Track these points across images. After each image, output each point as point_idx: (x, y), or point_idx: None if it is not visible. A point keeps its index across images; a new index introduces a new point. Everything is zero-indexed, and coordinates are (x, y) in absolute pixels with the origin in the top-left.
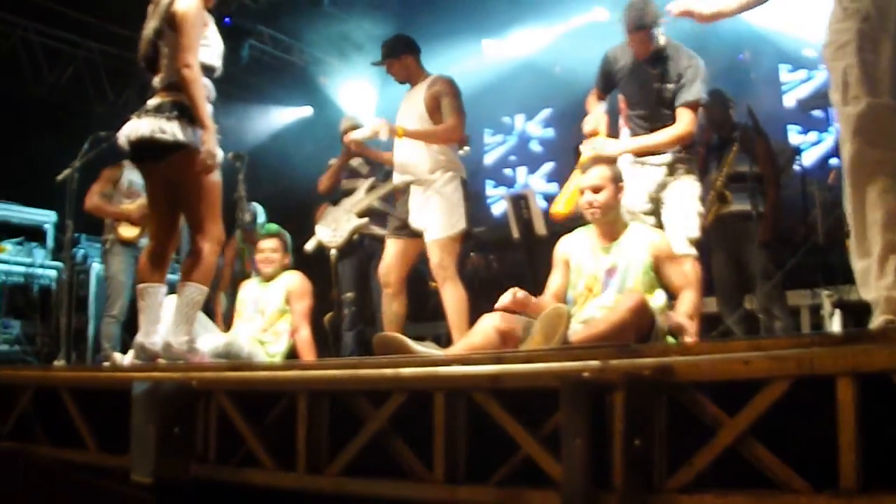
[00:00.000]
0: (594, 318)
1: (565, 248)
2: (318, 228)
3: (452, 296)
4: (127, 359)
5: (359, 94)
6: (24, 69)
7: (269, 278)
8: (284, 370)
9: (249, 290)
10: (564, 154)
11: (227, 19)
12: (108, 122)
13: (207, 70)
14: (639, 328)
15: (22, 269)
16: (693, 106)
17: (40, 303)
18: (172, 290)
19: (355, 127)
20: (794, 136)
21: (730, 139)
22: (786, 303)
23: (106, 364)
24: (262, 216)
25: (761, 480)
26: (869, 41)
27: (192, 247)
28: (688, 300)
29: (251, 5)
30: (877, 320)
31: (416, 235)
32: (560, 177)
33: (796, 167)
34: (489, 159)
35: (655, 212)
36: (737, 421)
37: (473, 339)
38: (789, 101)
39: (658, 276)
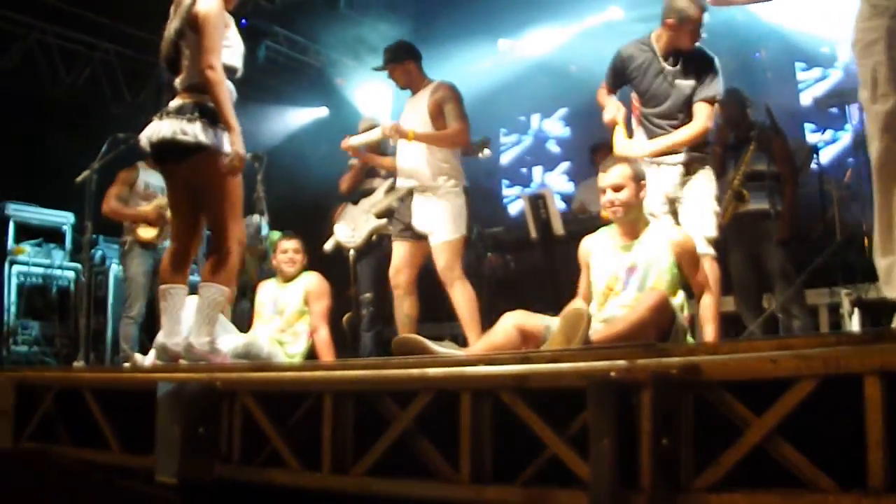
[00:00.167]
0: (615, 316)
1: (587, 247)
2: (336, 228)
3: (462, 296)
4: (147, 360)
5: (375, 95)
6: (41, 71)
7: (288, 279)
8: (310, 370)
9: (268, 291)
10: (580, 153)
11: (243, 21)
12: (125, 123)
13: (229, 71)
14: (659, 326)
15: (40, 270)
16: (711, 102)
17: (59, 304)
18: (193, 291)
19: (374, 128)
20: (810, 134)
21: (747, 138)
22: (805, 302)
23: (126, 365)
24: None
25: (788, 479)
26: None
27: (214, 247)
28: (707, 304)
29: (267, 6)
30: None
31: (421, 238)
32: (576, 176)
33: (814, 165)
34: (505, 159)
35: (672, 211)
36: (764, 420)
37: (495, 338)
38: (806, 99)
39: (680, 274)
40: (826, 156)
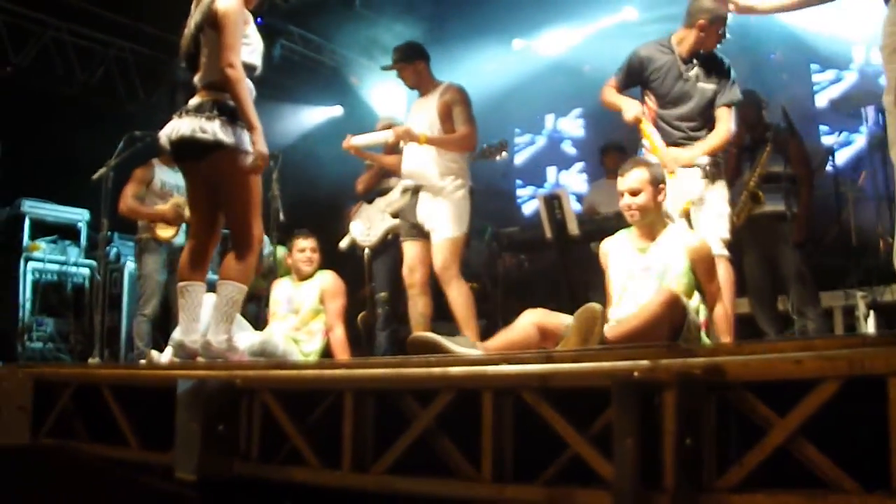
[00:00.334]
0: (628, 314)
1: (605, 249)
2: (352, 225)
3: (459, 294)
4: (164, 357)
5: (389, 94)
6: (56, 68)
7: (304, 277)
8: (330, 368)
9: (282, 290)
10: (594, 153)
11: (258, 19)
12: (140, 120)
13: (248, 69)
14: (671, 323)
15: (56, 267)
16: (732, 106)
17: (74, 301)
18: (211, 288)
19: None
20: (825, 136)
21: (762, 140)
22: (819, 304)
23: (142, 362)
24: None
25: (811, 481)
26: None
27: (232, 245)
28: (720, 315)
29: (282, 5)
30: None
31: (428, 236)
32: (590, 176)
33: (829, 168)
34: (519, 159)
35: (687, 215)
36: (787, 421)
37: (513, 336)
38: (821, 100)
39: (695, 279)
40: (841, 158)
